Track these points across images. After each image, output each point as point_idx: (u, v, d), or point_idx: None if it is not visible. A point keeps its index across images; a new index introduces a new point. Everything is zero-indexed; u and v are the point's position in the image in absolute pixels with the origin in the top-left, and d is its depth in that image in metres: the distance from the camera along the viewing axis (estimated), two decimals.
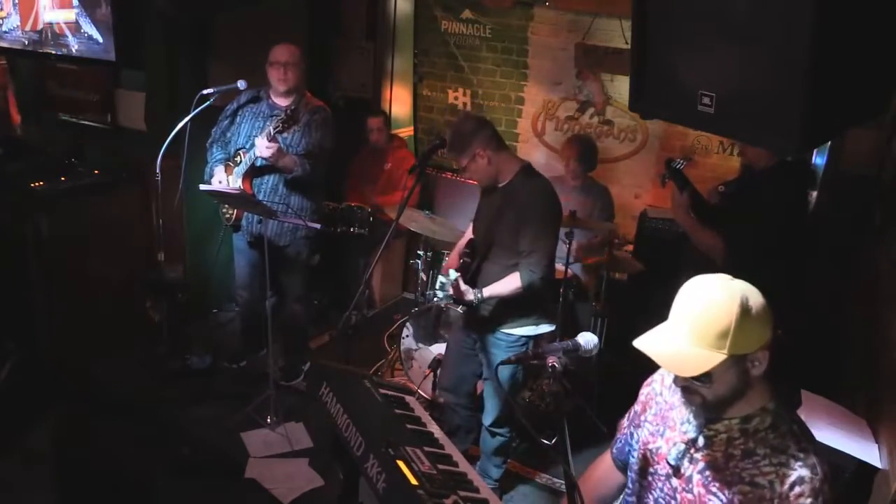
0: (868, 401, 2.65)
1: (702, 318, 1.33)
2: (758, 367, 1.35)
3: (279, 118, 3.35)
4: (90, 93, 4.47)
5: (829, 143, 3.55)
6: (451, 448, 1.89)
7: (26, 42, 4.44)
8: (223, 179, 3.60)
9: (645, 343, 1.37)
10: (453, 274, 2.81)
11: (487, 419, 3.11)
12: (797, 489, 1.31)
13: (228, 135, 3.67)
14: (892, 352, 2.48)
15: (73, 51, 4.24)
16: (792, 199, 2.82)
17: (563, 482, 2.09)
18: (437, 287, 2.83)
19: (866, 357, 2.88)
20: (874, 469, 2.31)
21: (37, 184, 3.83)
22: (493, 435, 3.13)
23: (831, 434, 2.37)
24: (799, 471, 1.32)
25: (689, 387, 1.40)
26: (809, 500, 1.31)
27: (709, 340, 1.31)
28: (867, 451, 2.35)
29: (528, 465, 3.50)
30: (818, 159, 3.80)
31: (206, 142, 3.71)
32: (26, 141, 4.64)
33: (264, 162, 3.46)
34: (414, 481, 1.59)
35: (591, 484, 1.80)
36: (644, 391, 1.65)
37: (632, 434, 1.65)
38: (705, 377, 1.34)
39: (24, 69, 4.78)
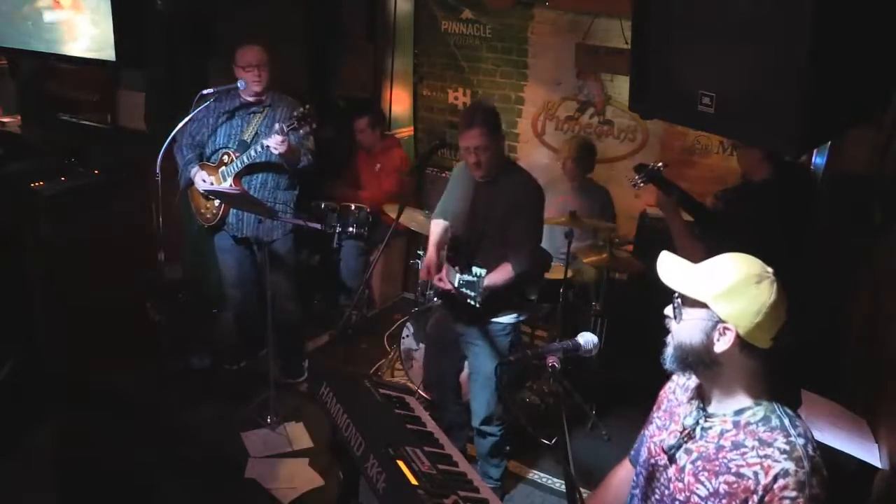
0: (868, 401, 2.65)
1: (716, 266, 1.42)
2: (719, 343, 1.38)
3: (296, 117, 3.33)
4: (90, 93, 4.47)
5: (829, 143, 3.55)
6: (451, 448, 1.89)
7: None
8: (206, 178, 3.58)
9: (667, 254, 1.49)
10: (477, 270, 2.73)
11: (476, 420, 3.11)
12: (781, 482, 1.31)
13: (198, 137, 3.63)
14: (892, 352, 2.48)
15: None
16: (787, 216, 2.75)
17: (563, 482, 2.09)
18: (460, 286, 2.72)
19: (866, 357, 2.88)
20: (874, 469, 2.31)
21: (37, 184, 3.82)
22: (484, 435, 3.12)
23: (831, 434, 2.37)
24: (783, 463, 1.32)
25: (667, 318, 1.48)
26: (794, 493, 1.30)
27: (706, 284, 1.39)
28: (867, 451, 2.34)
29: (529, 465, 3.50)
30: (818, 159, 3.79)
31: None
32: (26, 141, 4.64)
33: (261, 159, 3.48)
34: (414, 481, 1.59)
35: (610, 487, 1.80)
36: (662, 391, 1.68)
37: (645, 433, 1.68)
38: (678, 309, 1.43)
39: (24, 69, 4.77)
